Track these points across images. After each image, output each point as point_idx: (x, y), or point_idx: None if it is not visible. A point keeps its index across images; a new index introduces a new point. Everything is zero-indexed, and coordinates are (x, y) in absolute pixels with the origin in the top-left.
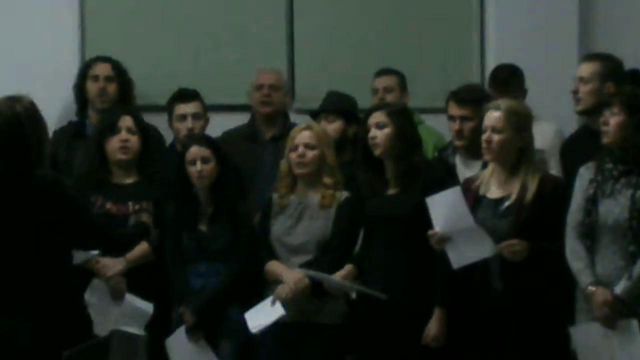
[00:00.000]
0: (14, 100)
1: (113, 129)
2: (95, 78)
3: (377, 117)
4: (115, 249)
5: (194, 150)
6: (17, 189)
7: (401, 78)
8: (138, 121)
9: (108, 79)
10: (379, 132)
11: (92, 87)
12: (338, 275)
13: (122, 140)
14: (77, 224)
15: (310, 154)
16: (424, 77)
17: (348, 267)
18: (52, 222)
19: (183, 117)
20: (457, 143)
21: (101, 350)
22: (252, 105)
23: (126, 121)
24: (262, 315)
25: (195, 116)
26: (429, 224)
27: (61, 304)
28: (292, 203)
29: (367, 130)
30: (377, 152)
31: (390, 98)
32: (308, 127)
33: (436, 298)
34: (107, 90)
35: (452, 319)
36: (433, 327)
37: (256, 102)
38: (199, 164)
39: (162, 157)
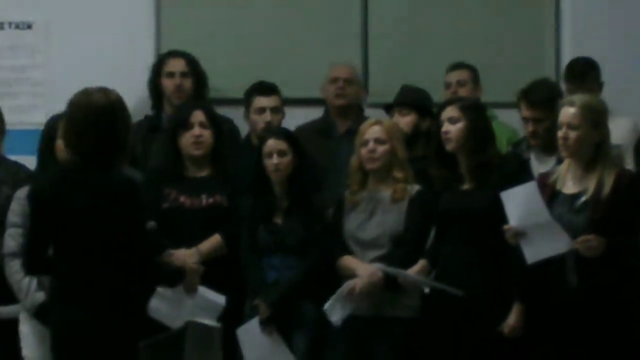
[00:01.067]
0: (104, 91)
1: (185, 125)
2: (171, 75)
3: (450, 111)
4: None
5: (271, 143)
6: (96, 180)
7: (474, 72)
8: (210, 115)
9: (183, 74)
10: (452, 127)
11: (168, 84)
12: (412, 271)
13: (195, 136)
14: (132, 232)
15: (381, 148)
16: (498, 71)
17: (421, 263)
18: (121, 219)
19: (262, 110)
20: (532, 142)
21: (176, 341)
22: (326, 98)
23: (198, 116)
24: (338, 306)
25: (274, 110)
26: (504, 219)
27: (135, 297)
28: (364, 198)
29: (440, 125)
30: (449, 146)
31: (462, 92)
32: (377, 122)
33: (514, 293)
34: (183, 87)
35: (528, 313)
36: (512, 321)
37: (330, 95)
38: (275, 157)
39: (237, 150)
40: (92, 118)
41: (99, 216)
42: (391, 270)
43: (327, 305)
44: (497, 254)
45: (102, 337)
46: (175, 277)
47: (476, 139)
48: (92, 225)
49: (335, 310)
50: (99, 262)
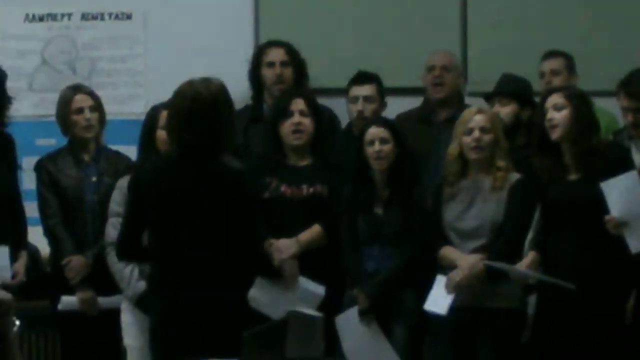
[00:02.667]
0: (209, 81)
1: (286, 113)
2: (271, 64)
3: (555, 99)
4: (253, 263)
5: (373, 131)
6: (200, 169)
7: (569, 60)
8: (311, 103)
9: (283, 64)
10: (557, 115)
11: (268, 74)
12: (523, 264)
13: (295, 124)
14: (245, 222)
15: (486, 137)
16: (594, 59)
17: (532, 254)
18: (221, 209)
19: (355, 99)
20: (633, 132)
21: (279, 331)
22: (425, 87)
23: (298, 104)
24: (441, 297)
25: (366, 99)
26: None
27: (223, 284)
28: (463, 187)
29: (544, 114)
30: (554, 134)
31: (557, 81)
32: (480, 111)
33: (632, 281)
34: (283, 76)
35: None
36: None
37: (428, 84)
38: (377, 144)
39: (337, 140)
40: (196, 108)
41: (202, 204)
42: (500, 266)
43: (427, 302)
44: (608, 245)
45: (206, 325)
46: (275, 272)
47: (581, 126)
48: (195, 214)
49: (437, 303)
50: (202, 250)
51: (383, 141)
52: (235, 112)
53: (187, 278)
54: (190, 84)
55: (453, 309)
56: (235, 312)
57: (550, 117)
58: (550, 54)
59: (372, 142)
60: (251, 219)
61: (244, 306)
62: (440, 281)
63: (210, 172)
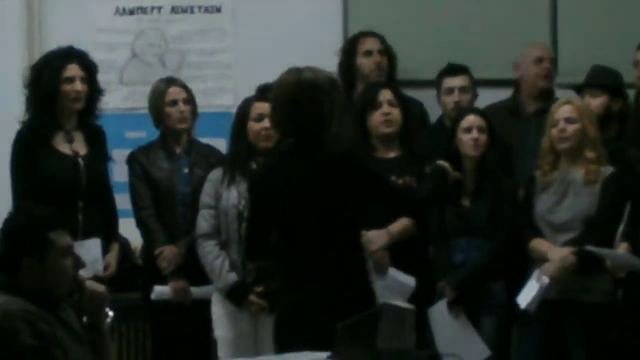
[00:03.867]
0: (315, 69)
1: (374, 104)
2: (369, 53)
3: None
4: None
5: (471, 119)
6: (312, 157)
7: None
8: (397, 94)
9: (380, 52)
10: None
11: (365, 62)
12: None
13: (384, 114)
14: (375, 194)
15: (571, 128)
16: None
17: (623, 247)
18: (345, 195)
19: (450, 91)
20: None
21: (371, 322)
22: (523, 78)
23: (386, 94)
24: (530, 292)
25: (462, 89)
26: None
27: (352, 278)
28: (555, 180)
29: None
30: None
31: None
32: (568, 102)
33: None
34: (381, 65)
35: None
36: None
37: (532, 76)
38: (475, 131)
39: (427, 132)
40: (302, 94)
41: (323, 195)
42: (599, 251)
43: (520, 297)
44: None
45: (331, 320)
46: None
47: None
48: (318, 206)
49: (529, 299)
50: (326, 241)
51: (480, 130)
52: (346, 103)
53: (310, 275)
54: (296, 70)
55: (541, 304)
56: (357, 306)
57: None
58: None
59: (469, 130)
60: (380, 182)
61: (350, 300)
62: (534, 277)
63: (321, 159)
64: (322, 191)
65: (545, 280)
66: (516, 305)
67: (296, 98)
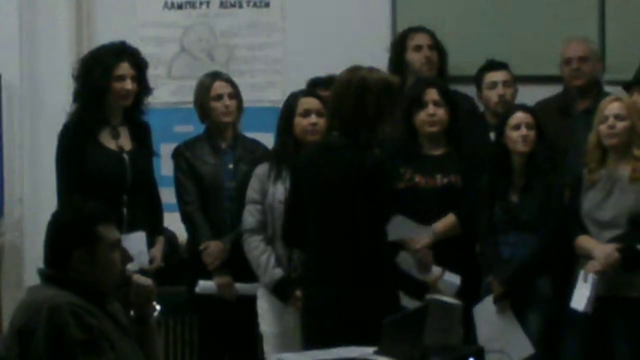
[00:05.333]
0: (375, 70)
1: (420, 103)
2: (419, 48)
3: None
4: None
5: (520, 115)
6: (347, 157)
7: None
8: (444, 92)
9: (430, 47)
10: None
11: (416, 57)
12: None
13: (429, 115)
14: (377, 212)
15: (620, 125)
16: None
17: None
18: (369, 197)
19: (493, 85)
20: None
21: (418, 318)
22: (564, 77)
23: (432, 94)
24: (582, 294)
25: (505, 83)
26: None
27: (380, 274)
28: (602, 177)
29: None
30: None
31: None
32: (617, 99)
33: None
34: (432, 59)
35: None
36: None
37: (566, 75)
38: (524, 128)
39: (476, 127)
40: (352, 91)
41: (346, 193)
42: None
43: (573, 302)
44: None
45: (354, 313)
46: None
47: None
48: (340, 202)
49: (581, 301)
50: (348, 237)
51: (529, 126)
52: (397, 108)
53: (334, 267)
54: (355, 67)
55: (593, 304)
56: (380, 301)
57: None
58: None
59: (517, 127)
60: (380, 213)
61: (380, 296)
62: (580, 278)
63: (356, 161)
64: (343, 193)
65: (594, 278)
66: (563, 301)
67: (343, 93)
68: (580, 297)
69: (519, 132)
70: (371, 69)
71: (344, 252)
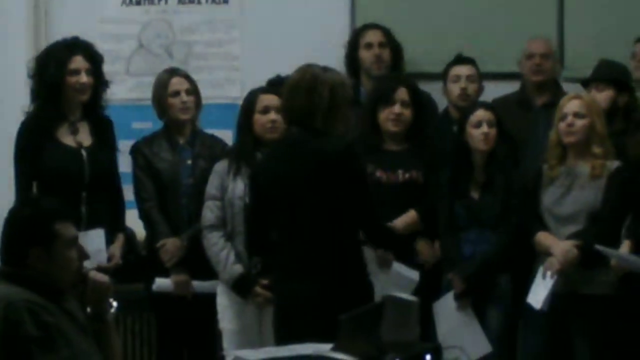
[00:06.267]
0: (328, 69)
1: (387, 100)
2: (369, 46)
3: None
4: (377, 239)
5: (481, 114)
6: (313, 148)
7: None
8: (413, 92)
9: (381, 45)
10: None
11: (366, 55)
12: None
13: (396, 114)
14: (357, 201)
15: (580, 122)
16: None
17: (627, 244)
18: (339, 188)
19: (457, 78)
20: None
21: (374, 315)
22: (523, 73)
23: (402, 93)
24: (539, 290)
25: (469, 78)
26: None
27: (347, 270)
28: (562, 173)
29: None
30: None
31: None
32: (577, 96)
33: None
34: (382, 57)
35: None
36: None
37: (527, 71)
38: (485, 126)
39: (434, 124)
40: (305, 87)
41: (318, 184)
42: (606, 250)
43: (530, 298)
44: None
45: (327, 309)
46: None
47: None
48: (313, 194)
49: (538, 298)
50: (322, 231)
51: (489, 124)
52: (349, 108)
53: (307, 264)
54: (308, 65)
55: (550, 302)
56: (353, 296)
57: None
58: None
59: (478, 125)
60: (367, 194)
61: (346, 292)
62: (539, 274)
63: (318, 149)
64: (314, 185)
65: (552, 277)
66: (521, 298)
67: (296, 89)
68: (537, 294)
69: (480, 130)
70: (325, 68)
71: (317, 247)
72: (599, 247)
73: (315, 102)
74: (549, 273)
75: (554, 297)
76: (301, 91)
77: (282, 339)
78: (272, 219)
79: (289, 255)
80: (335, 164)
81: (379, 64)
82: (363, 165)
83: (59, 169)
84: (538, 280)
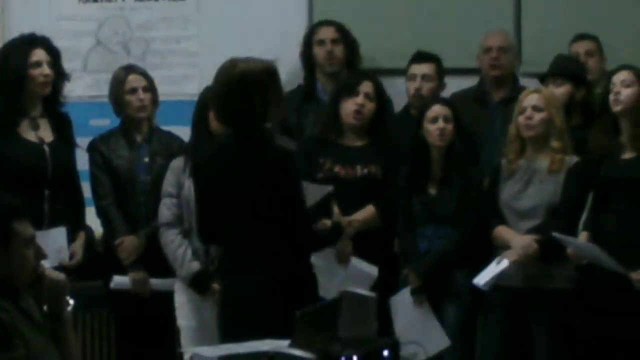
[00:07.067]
0: (251, 61)
1: (351, 91)
2: (322, 42)
3: (624, 75)
4: (308, 246)
5: (437, 109)
6: (250, 152)
7: (598, 43)
8: (378, 88)
9: (334, 42)
10: (624, 90)
11: (319, 52)
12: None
13: (358, 105)
14: (289, 205)
15: (538, 116)
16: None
17: (584, 235)
18: (277, 189)
19: (413, 77)
20: None
21: (331, 310)
22: (481, 67)
23: (366, 86)
24: (488, 273)
25: (424, 77)
26: None
27: (290, 265)
28: (521, 167)
29: (609, 90)
30: (617, 107)
31: (590, 63)
32: (536, 90)
33: None
34: (334, 54)
35: None
36: None
37: (485, 65)
38: (441, 122)
39: (395, 121)
40: (235, 88)
41: (255, 188)
42: (563, 238)
43: (477, 277)
44: None
45: (267, 304)
46: (335, 234)
47: None
48: (250, 197)
49: (485, 278)
50: (261, 231)
51: (446, 119)
52: (282, 93)
53: (247, 260)
54: (230, 63)
55: (504, 289)
56: (293, 292)
57: (617, 91)
58: (581, 37)
59: (435, 120)
60: (300, 199)
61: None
62: (495, 261)
63: (258, 155)
64: (254, 185)
65: (505, 262)
66: (478, 291)
67: (227, 91)
68: (485, 277)
69: (436, 126)
70: (247, 60)
71: (260, 244)
72: (556, 234)
73: (248, 105)
74: (505, 260)
75: (514, 291)
76: (233, 95)
77: (226, 335)
78: (220, 213)
79: (233, 251)
80: (274, 172)
81: (331, 61)
82: (298, 173)
83: (22, 165)
84: (492, 265)
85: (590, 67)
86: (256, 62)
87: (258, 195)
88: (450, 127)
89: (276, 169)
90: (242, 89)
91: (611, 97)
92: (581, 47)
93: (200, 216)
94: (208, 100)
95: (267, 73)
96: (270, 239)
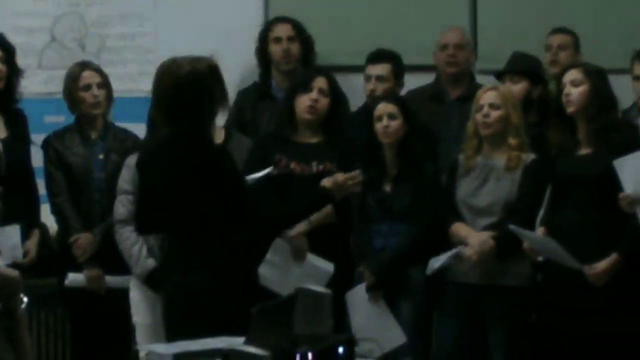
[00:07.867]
0: (195, 60)
1: (305, 87)
2: (278, 40)
3: (573, 74)
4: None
5: (381, 107)
6: (186, 150)
7: (575, 38)
8: (332, 83)
9: (290, 39)
10: (575, 90)
11: (275, 49)
12: None
13: (312, 100)
14: (229, 194)
15: (495, 114)
16: (604, 37)
17: (541, 231)
18: (214, 185)
19: (369, 78)
20: None
21: (286, 308)
22: (437, 65)
23: (320, 82)
24: (437, 262)
25: (379, 78)
26: (620, 186)
27: (230, 263)
28: (478, 165)
29: (561, 89)
30: (570, 109)
31: (563, 56)
32: (493, 88)
33: (620, 245)
34: (290, 52)
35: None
36: (602, 266)
37: (441, 62)
38: (385, 119)
39: (354, 118)
40: (184, 91)
41: (193, 185)
42: (520, 231)
43: (432, 260)
44: (614, 221)
45: (215, 302)
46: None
47: (598, 103)
48: (189, 194)
49: (432, 266)
50: (203, 228)
51: (391, 117)
52: (225, 88)
53: (191, 257)
54: (172, 62)
55: (461, 286)
56: (242, 289)
57: (567, 92)
58: (559, 30)
59: (380, 118)
60: (242, 195)
61: (252, 283)
62: (449, 252)
63: (194, 153)
64: (191, 183)
65: (456, 251)
66: (434, 289)
67: (175, 95)
68: (433, 265)
69: (380, 124)
70: (190, 60)
71: (200, 240)
72: (513, 227)
73: (193, 104)
74: (457, 249)
75: (470, 288)
76: (179, 94)
77: (170, 332)
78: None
79: (173, 248)
80: (209, 168)
81: (287, 58)
82: (236, 166)
83: None
84: (443, 255)
85: (561, 60)
86: (200, 61)
87: (196, 195)
88: (395, 124)
89: (212, 168)
90: (190, 91)
91: (563, 98)
92: (555, 40)
93: (137, 207)
94: (152, 101)
95: (211, 71)
96: (208, 236)
